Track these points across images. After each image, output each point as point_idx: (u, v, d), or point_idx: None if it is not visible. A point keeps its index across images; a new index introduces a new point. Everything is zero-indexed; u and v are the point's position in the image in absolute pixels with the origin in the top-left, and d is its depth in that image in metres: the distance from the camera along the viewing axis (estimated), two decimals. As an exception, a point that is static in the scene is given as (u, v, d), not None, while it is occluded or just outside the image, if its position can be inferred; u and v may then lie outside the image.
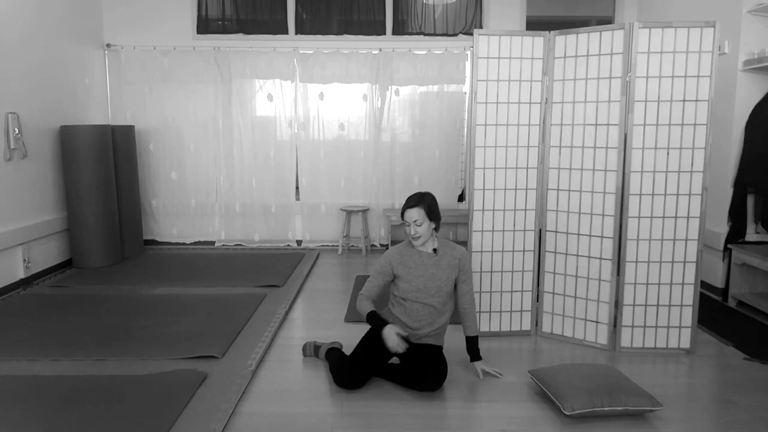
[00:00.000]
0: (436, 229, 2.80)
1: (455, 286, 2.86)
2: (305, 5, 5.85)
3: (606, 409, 2.45)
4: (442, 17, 5.86)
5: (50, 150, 4.89)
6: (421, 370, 2.71)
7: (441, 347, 2.90)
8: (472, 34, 5.32)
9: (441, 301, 2.80)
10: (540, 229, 3.44)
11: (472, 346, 2.91)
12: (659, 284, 3.20)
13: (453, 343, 3.11)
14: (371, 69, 5.78)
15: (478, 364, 2.91)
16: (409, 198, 2.78)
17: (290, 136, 5.91)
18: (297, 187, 6.03)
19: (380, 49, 5.76)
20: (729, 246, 4.19)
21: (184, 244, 6.07)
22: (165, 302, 4.03)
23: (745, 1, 4.09)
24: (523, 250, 3.45)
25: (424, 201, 2.75)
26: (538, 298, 3.50)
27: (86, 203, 4.90)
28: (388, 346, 2.67)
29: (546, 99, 3.33)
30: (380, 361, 2.80)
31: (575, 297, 3.36)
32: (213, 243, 6.08)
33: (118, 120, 5.84)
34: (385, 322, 2.72)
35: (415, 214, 2.72)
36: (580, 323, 3.37)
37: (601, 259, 3.25)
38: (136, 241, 5.61)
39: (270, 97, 5.85)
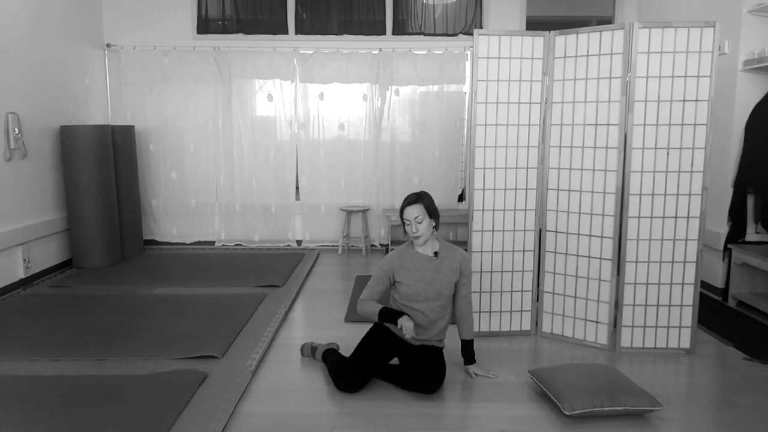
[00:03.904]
0: (435, 228, 2.79)
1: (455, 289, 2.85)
2: (305, 5, 5.85)
3: (606, 409, 2.45)
4: (442, 17, 5.86)
5: (50, 150, 4.89)
6: (421, 372, 2.71)
7: (441, 349, 2.89)
8: (472, 34, 5.32)
9: (441, 305, 2.78)
10: (540, 229, 3.44)
11: (468, 349, 2.91)
12: (659, 284, 3.20)
13: (453, 344, 3.11)
14: (371, 69, 5.77)
15: (471, 368, 2.91)
16: (406, 197, 2.78)
17: (290, 136, 5.91)
18: (297, 187, 6.03)
19: (380, 49, 5.76)
20: (729, 246, 4.19)
21: (184, 244, 6.07)
22: (165, 302, 4.03)
23: (745, 1, 4.09)
24: (523, 250, 3.45)
25: (422, 198, 2.76)
26: (538, 298, 3.50)
27: (86, 203, 4.90)
28: (403, 334, 2.70)
29: (546, 99, 3.33)
30: (380, 362, 2.80)
31: (575, 297, 3.36)
32: (213, 243, 6.08)
33: (118, 120, 5.84)
34: (400, 313, 2.71)
35: (415, 210, 2.71)
36: (580, 323, 3.37)
37: (601, 259, 3.25)
38: (136, 241, 5.61)
39: (270, 97, 5.85)
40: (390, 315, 2.72)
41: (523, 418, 2.51)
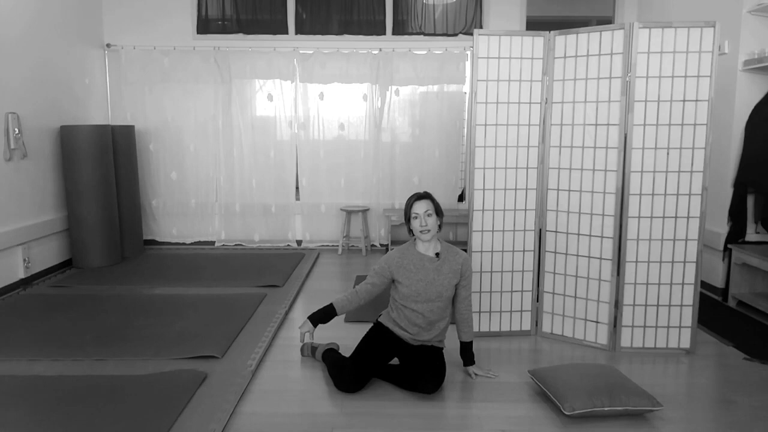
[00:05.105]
0: (439, 227, 2.79)
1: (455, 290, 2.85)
2: (305, 5, 5.86)
3: (606, 409, 2.45)
4: (442, 17, 5.86)
5: (50, 150, 4.89)
6: (420, 372, 2.70)
7: (441, 349, 2.89)
8: (472, 34, 5.32)
9: (441, 306, 2.78)
10: (540, 229, 3.44)
11: (467, 351, 2.90)
12: (659, 284, 3.20)
13: (453, 344, 3.11)
14: (371, 69, 5.77)
15: (471, 368, 2.91)
16: (413, 194, 2.78)
17: (290, 136, 5.91)
18: (297, 187, 6.03)
19: (380, 49, 5.76)
20: (729, 246, 4.19)
21: (184, 244, 6.07)
22: (165, 302, 4.03)
23: (745, 1, 4.09)
24: (523, 250, 3.45)
25: (430, 195, 2.78)
26: (538, 298, 3.50)
27: (86, 203, 4.90)
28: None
29: (546, 99, 3.33)
30: (380, 362, 2.80)
31: (575, 297, 3.36)
32: (213, 243, 6.08)
33: (118, 120, 5.84)
34: (318, 316, 2.83)
35: (426, 204, 2.72)
36: (580, 323, 3.37)
37: (601, 259, 3.25)
38: (136, 241, 5.61)
39: (270, 97, 5.85)
40: (317, 314, 2.85)
41: (523, 418, 2.51)
